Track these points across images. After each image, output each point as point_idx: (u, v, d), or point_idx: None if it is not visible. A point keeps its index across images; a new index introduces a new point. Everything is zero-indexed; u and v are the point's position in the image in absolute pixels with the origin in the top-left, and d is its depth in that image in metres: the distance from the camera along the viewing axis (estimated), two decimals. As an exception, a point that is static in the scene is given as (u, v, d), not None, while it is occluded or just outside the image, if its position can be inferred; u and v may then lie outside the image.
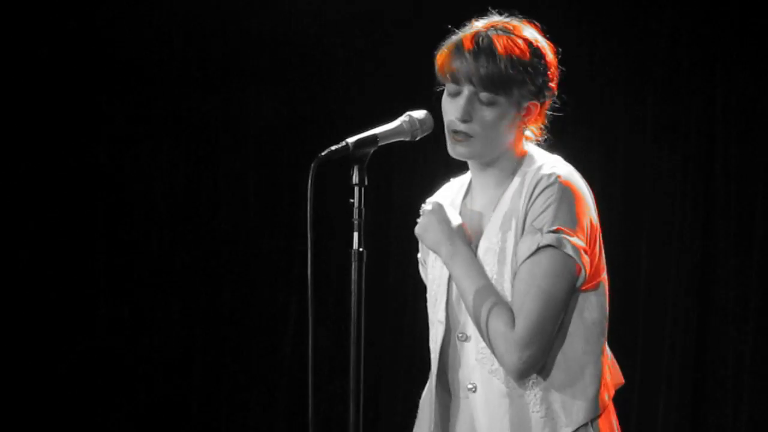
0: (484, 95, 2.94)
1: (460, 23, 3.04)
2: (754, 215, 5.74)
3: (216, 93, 6.52)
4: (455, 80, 2.96)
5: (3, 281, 6.41)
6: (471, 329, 2.99)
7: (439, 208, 3.01)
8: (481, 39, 2.95)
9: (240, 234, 6.56)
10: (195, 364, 6.58)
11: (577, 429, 2.94)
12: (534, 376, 2.92)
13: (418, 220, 3.05)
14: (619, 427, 3.04)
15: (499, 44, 2.94)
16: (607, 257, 3.00)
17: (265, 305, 6.54)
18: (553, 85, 3.01)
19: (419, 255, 3.24)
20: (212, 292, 6.56)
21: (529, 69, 2.94)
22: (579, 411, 2.93)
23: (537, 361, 2.89)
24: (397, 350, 6.26)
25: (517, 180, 2.98)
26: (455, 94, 2.97)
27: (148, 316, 6.55)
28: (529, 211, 2.91)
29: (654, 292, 5.88)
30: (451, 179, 3.19)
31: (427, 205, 3.05)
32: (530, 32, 3.00)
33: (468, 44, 2.95)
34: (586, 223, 2.92)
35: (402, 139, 2.95)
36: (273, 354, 6.51)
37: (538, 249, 2.87)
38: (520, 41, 2.96)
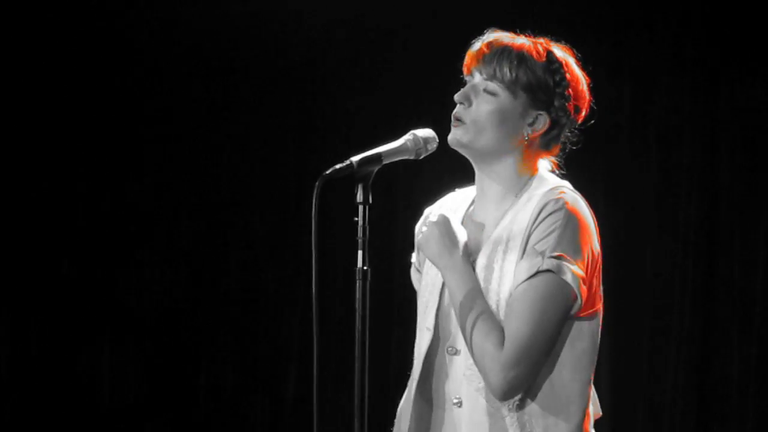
0: (487, 84, 2.95)
1: (470, 39, 3.04)
2: (758, 227, 5.74)
3: (219, 106, 6.54)
4: (469, 72, 2.99)
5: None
6: (461, 343, 2.96)
7: (444, 221, 2.98)
8: (502, 38, 2.98)
9: (245, 250, 6.56)
10: (200, 377, 6.58)
11: None
12: (518, 399, 2.90)
13: (422, 230, 3.04)
14: None
15: (516, 43, 2.97)
16: (611, 269, 2.99)
17: (270, 324, 6.53)
18: (570, 106, 2.99)
19: (413, 259, 3.21)
20: (218, 307, 6.56)
21: (540, 75, 2.94)
22: None
23: (521, 383, 2.87)
24: (402, 367, 6.25)
25: (523, 200, 2.96)
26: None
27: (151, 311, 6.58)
28: (533, 234, 2.89)
29: (659, 305, 5.88)
30: (456, 189, 3.17)
31: (433, 217, 3.03)
32: (559, 50, 3.00)
33: (489, 43, 2.98)
34: (587, 253, 2.90)
35: (406, 157, 2.95)
36: (277, 373, 6.51)
37: (537, 273, 2.85)
38: (540, 48, 2.97)
